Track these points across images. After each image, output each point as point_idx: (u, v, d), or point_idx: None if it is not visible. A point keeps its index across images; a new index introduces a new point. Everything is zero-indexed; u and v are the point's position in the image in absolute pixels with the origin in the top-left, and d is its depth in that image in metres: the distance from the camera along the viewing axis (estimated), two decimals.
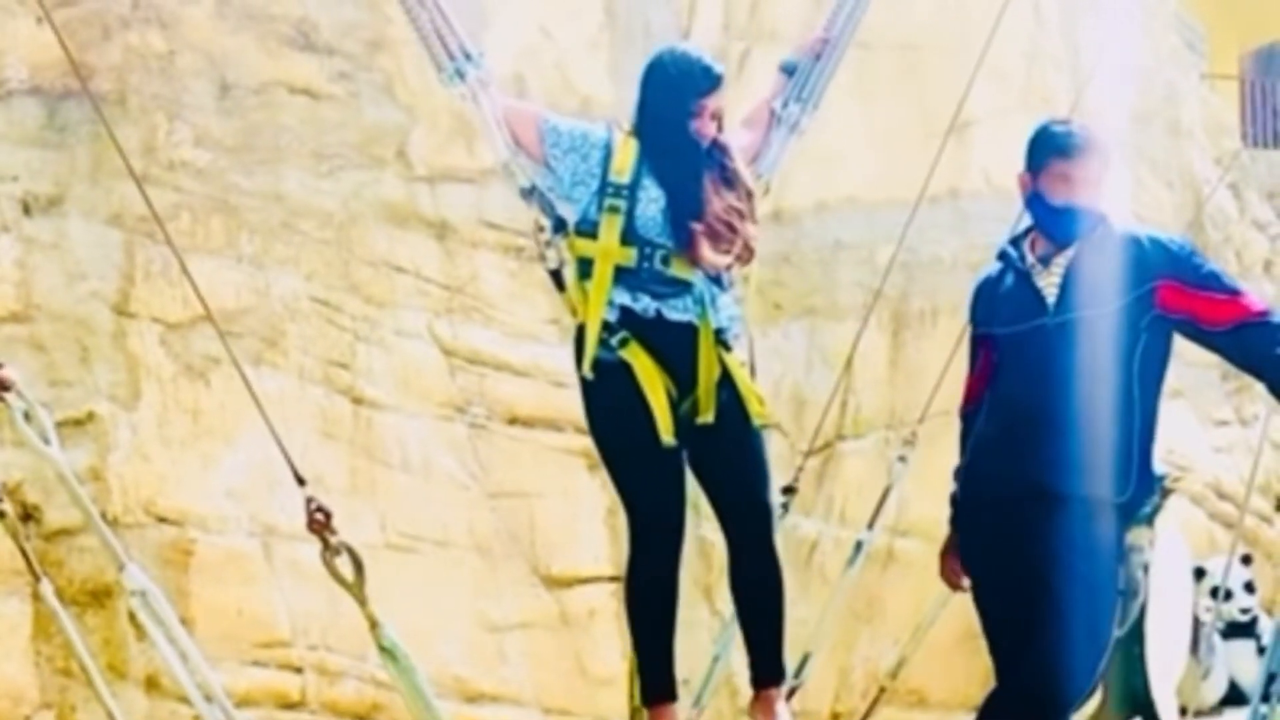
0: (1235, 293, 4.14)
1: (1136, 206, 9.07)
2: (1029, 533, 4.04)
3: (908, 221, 5.83)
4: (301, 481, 4.45)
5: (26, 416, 4.25)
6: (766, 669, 4.41)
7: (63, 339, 7.41)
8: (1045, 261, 4.14)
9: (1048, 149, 4.17)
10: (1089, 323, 4.07)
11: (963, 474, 4.28)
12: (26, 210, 7.47)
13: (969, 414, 4.30)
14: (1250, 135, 12.52)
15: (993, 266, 4.30)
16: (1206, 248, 10.20)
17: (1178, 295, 4.10)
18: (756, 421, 4.36)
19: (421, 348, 8.10)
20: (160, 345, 7.55)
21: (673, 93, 4.30)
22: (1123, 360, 4.08)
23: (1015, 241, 4.26)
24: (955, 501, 4.31)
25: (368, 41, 8.01)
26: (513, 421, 8.18)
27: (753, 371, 4.39)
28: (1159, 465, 4.10)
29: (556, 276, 4.40)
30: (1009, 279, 4.21)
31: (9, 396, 4.20)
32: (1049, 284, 4.13)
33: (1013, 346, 4.16)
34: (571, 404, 8.31)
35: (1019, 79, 8.84)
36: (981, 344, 4.28)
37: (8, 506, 4.61)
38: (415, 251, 8.12)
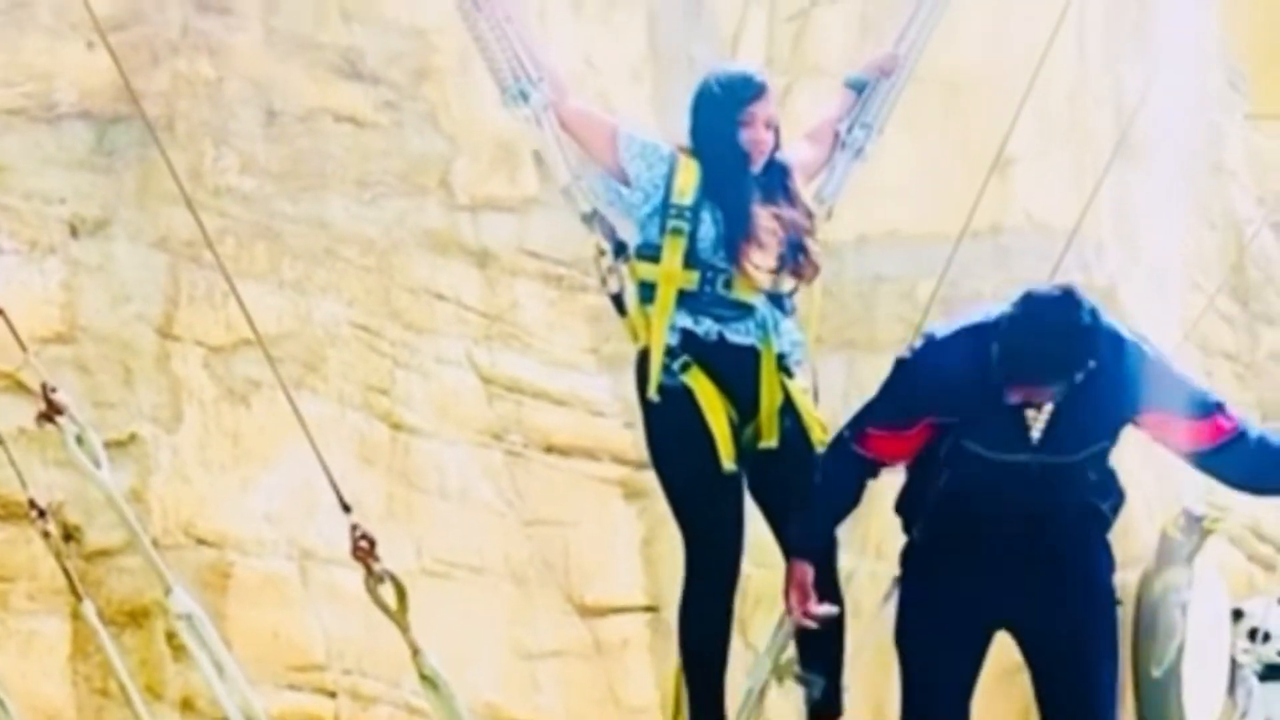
0: (1211, 411, 4.03)
1: (1179, 247, 9.04)
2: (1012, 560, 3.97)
3: (950, 256, 5.83)
4: (347, 509, 4.47)
5: (79, 440, 4.29)
6: (823, 702, 4.39)
7: (107, 361, 7.48)
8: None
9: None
10: (1067, 466, 3.97)
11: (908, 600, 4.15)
12: (74, 233, 7.56)
13: (869, 460, 4.11)
14: None
15: (965, 351, 4.00)
16: (1248, 288, 10.17)
17: (1162, 424, 4.00)
18: (819, 447, 4.35)
19: (460, 375, 8.14)
20: (203, 368, 7.62)
21: (719, 106, 4.34)
22: (1096, 491, 4.03)
23: (985, 332, 3.96)
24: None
25: (413, 71, 8.08)
26: (549, 450, 8.21)
27: (815, 397, 4.39)
28: (1198, 506, 4.10)
29: (618, 301, 4.41)
30: (983, 385, 3.93)
31: (61, 420, 4.24)
32: (1036, 419, 3.96)
33: (982, 468, 3.98)
34: (609, 433, 8.41)
35: (1062, 117, 8.83)
36: (925, 425, 4.03)
37: (52, 527, 4.66)
38: (456, 279, 8.17)
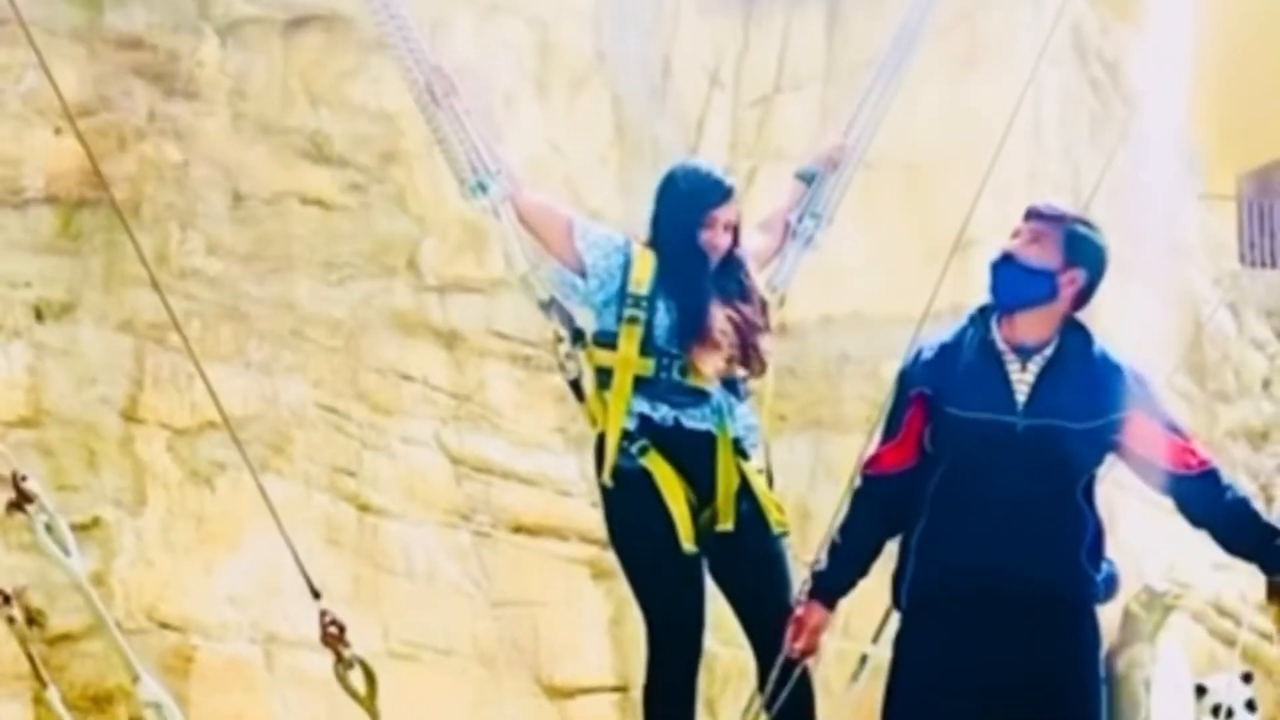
0: (1188, 439, 4.05)
1: (1136, 325, 9.15)
2: (1003, 632, 3.94)
3: (913, 337, 5.88)
4: (317, 595, 4.45)
5: (48, 528, 4.28)
6: None
7: (71, 444, 7.47)
8: (1022, 354, 3.99)
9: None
10: (1056, 433, 3.93)
11: (911, 573, 4.08)
12: (39, 316, 7.57)
13: (879, 478, 4.11)
14: (1248, 255, 12.63)
15: (947, 330, 4.09)
16: (1205, 367, 10.30)
17: (1148, 432, 3.99)
18: (776, 530, 4.38)
19: (427, 455, 8.15)
20: (167, 451, 7.61)
21: (684, 205, 4.39)
22: (1081, 477, 3.98)
23: (984, 313, 4.05)
24: (900, 593, 4.13)
25: (381, 154, 8.15)
26: (517, 530, 8.22)
27: (770, 480, 4.43)
28: (1160, 582, 4.12)
29: (575, 387, 4.46)
30: (971, 354, 4.02)
31: (30, 509, 4.23)
32: (1021, 380, 3.97)
33: (969, 435, 3.98)
34: (576, 513, 8.43)
35: (1020, 199, 8.90)
36: (915, 403, 4.05)
37: (16, 612, 4.63)
38: (423, 360, 8.21)
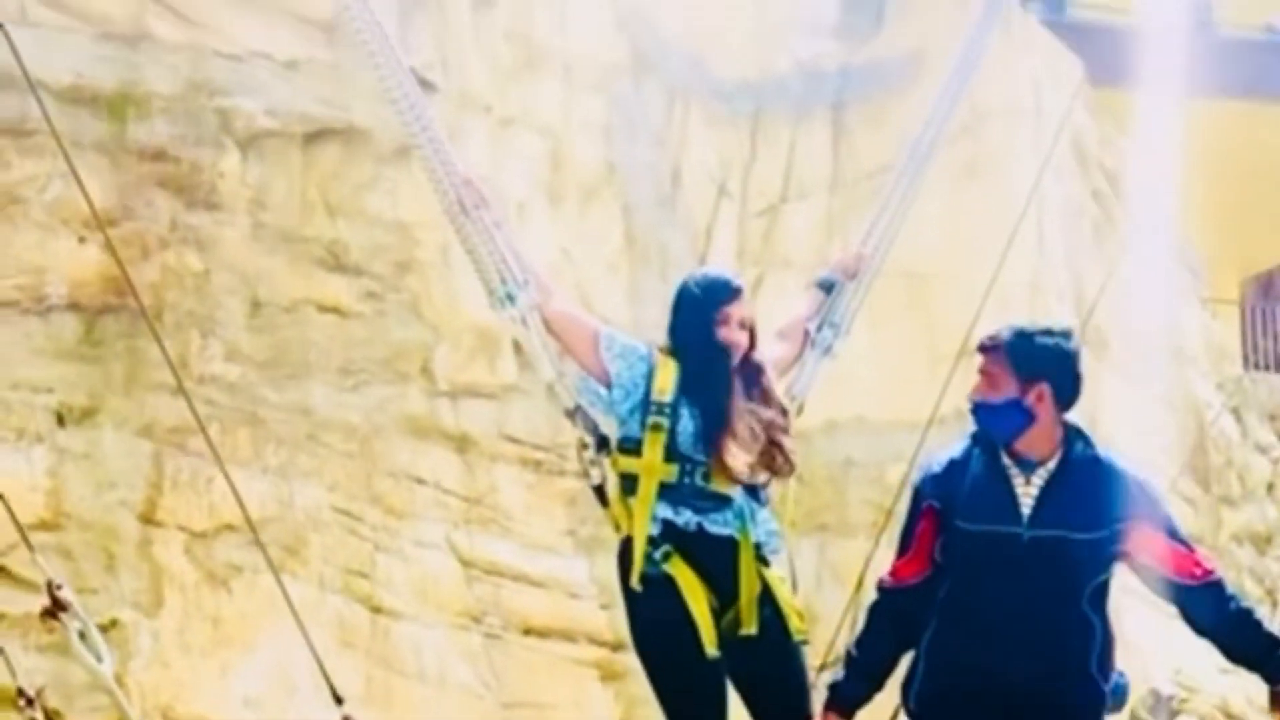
0: (1192, 549, 4.12)
1: (1140, 430, 9.22)
2: None
3: (919, 442, 5.96)
4: (340, 700, 4.49)
5: (81, 635, 4.33)
6: None
7: (90, 547, 7.55)
8: (1026, 468, 4.05)
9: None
10: (1060, 544, 4.01)
11: (920, 676, 4.17)
12: (61, 421, 7.67)
13: (895, 590, 4.21)
14: (1251, 359, 12.72)
15: (956, 446, 4.18)
16: (1210, 471, 10.36)
17: (1151, 541, 4.05)
18: (796, 637, 4.44)
19: (439, 558, 8.22)
20: (184, 554, 7.69)
21: (697, 306, 4.48)
22: (1087, 586, 4.03)
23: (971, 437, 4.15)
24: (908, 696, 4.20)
25: (396, 263, 8.30)
26: (528, 632, 8.26)
27: (794, 586, 4.50)
28: (1167, 686, 4.13)
29: (600, 492, 4.52)
30: (978, 468, 4.10)
31: (64, 616, 4.29)
32: (1026, 493, 4.05)
33: (977, 547, 4.07)
34: (586, 616, 8.47)
35: (1023, 307, 9.07)
36: (926, 516, 4.16)
37: (38, 714, 4.69)
38: (436, 464, 8.30)
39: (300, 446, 7.99)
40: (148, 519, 7.67)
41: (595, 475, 4.49)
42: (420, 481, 8.24)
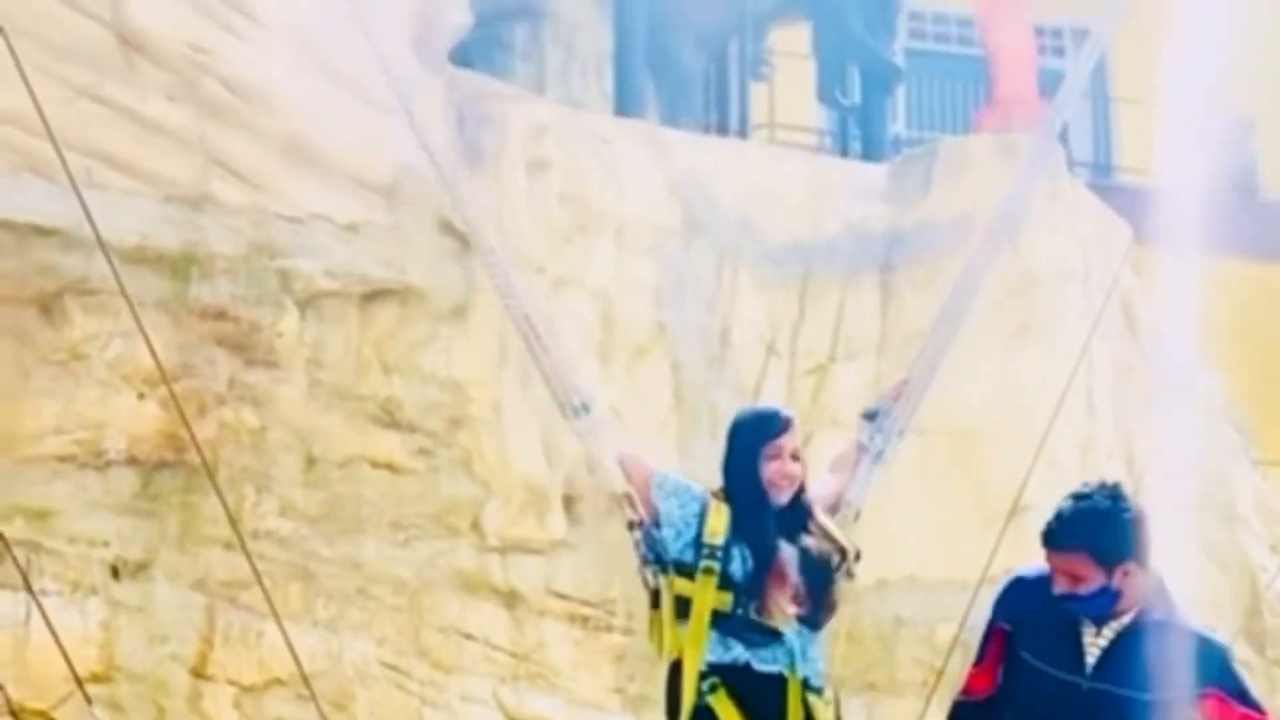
0: (1264, 712, 4.13)
1: (1194, 592, 9.15)
2: None
3: (970, 602, 5.96)
4: None
5: None
6: None
7: (141, 700, 7.58)
8: (1098, 619, 4.06)
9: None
10: (1121, 702, 4.01)
11: None
12: (115, 574, 7.75)
13: (968, 704, 4.20)
14: None
15: (1039, 566, 4.16)
16: (1265, 634, 10.24)
17: (1227, 711, 4.04)
18: None
19: (486, 714, 8.20)
20: (234, 708, 7.71)
21: (748, 439, 4.59)
22: None
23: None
24: None
25: (448, 420, 8.40)
26: None
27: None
28: None
29: (655, 595, 4.55)
30: (1051, 602, 4.08)
31: None
32: (1094, 644, 4.06)
33: (1037, 684, 4.06)
34: None
35: (1073, 467, 9.08)
36: (996, 637, 4.18)
37: None
38: (484, 619, 8.32)
39: (350, 601, 8.04)
40: (198, 673, 7.72)
41: (650, 580, 4.53)
42: (468, 637, 8.26)
